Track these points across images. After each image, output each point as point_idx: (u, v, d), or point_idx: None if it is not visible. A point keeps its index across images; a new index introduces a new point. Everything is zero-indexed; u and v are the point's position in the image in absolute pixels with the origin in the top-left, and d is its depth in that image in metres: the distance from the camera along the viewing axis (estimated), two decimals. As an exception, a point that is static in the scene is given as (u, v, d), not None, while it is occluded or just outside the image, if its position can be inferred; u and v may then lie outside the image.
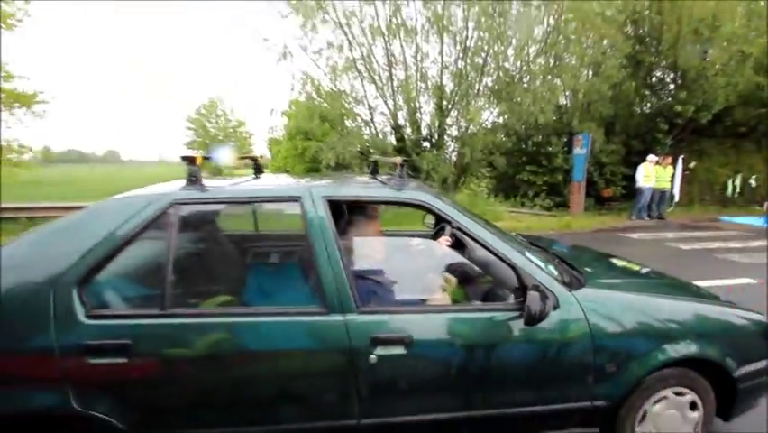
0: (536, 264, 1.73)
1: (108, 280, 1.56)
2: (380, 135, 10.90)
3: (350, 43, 9.83)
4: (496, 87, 10.23)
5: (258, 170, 2.11)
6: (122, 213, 1.56)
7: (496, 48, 9.65)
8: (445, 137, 10.79)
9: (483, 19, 9.24)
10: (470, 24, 9.51)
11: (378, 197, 1.83)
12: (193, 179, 1.67)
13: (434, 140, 10.76)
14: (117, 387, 1.47)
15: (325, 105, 10.85)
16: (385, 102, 10.49)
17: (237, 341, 1.52)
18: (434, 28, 9.71)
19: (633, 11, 10.34)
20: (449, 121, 10.60)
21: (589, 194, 10.75)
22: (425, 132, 10.85)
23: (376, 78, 10.17)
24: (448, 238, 1.87)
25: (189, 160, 1.69)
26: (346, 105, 10.55)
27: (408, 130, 10.80)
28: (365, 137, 10.72)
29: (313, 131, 13.44)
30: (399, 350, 1.54)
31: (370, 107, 10.59)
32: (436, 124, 10.55)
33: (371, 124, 10.79)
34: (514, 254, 1.69)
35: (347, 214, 1.99)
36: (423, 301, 1.90)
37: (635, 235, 8.00)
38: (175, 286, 1.53)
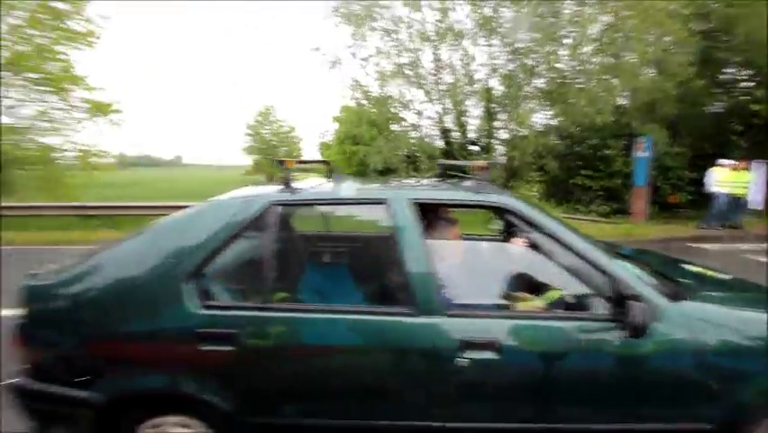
0: (634, 273, 1.65)
1: (216, 273, 1.67)
2: (427, 139, 10.90)
3: (397, 49, 9.96)
4: (547, 88, 9.90)
5: (331, 173, 2.15)
6: (226, 212, 1.68)
7: (547, 48, 9.36)
8: (493, 140, 10.59)
9: (534, 20, 9.00)
10: (520, 26, 9.30)
11: (462, 200, 1.82)
12: (286, 182, 1.76)
13: (481, 143, 10.59)
14: (224, 373, 1.57)
15: (373, 110, 11.03)
16: (432, 106, 10.51)
17: (330, 336, 1.58)
18: (483, 31, 9.60)
19: (700, 5, 9.60)
20: (497, 124, 10.40)
21: (653, 200, 10.05)
22: (472, 135, 10.72)
23: (423, 82, 10.21)
24: (525, 240, 1.81)
25: (282, 163, 1.78)
26: (393, 109, 10.68)
27: (455, 133, 10.72)
28: (412, 141, 10.78)
29: (361, 135, 13.72)
30: (488, 355, 1.52)
31: (417, 112, 10.65)
32: (484, 128, 10.38)
33: (418, 128, 10.83)
34: (609, 262, 1.60)
35: (425, 217, 1.97)
36: (508, 307, 1.86)
37: (706, 246, 7.35)
38: (273, 281, 1.62)
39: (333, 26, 10.09)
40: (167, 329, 1.58)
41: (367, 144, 12.53)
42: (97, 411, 1.59)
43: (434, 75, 10.18)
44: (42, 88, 11.35)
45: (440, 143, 10.93)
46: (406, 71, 10.11)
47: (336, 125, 21.45)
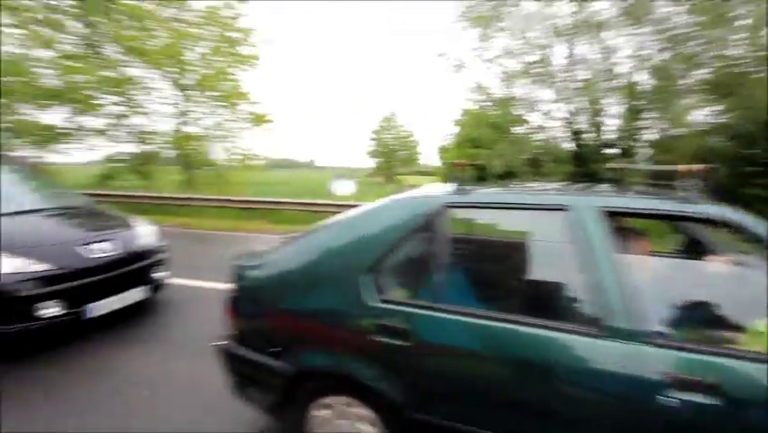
0: None
1: (392, 269, 1.72)
2: (554, 141, 10.17)
3: (526, 48, 9.52)
4: (714, 79, 8.29)
5: (482, 177, 2.07)
6: (402, 212, 1.74)
7: (714, 33, 7.85)
8: (637, 142, 9.32)
9: (696, 1, 7.64)
10: (677, 9, 8.00)
11: (665, 210, 1.50)
12: (460, 184, 1.77)
13: (621, 145, 9.43)
14: (394, 365, 1.61)
15: (496, 112, 10.76)
16: (562, 106, 9.75)
17: (498, 345, 1.50)
18: (628, 19, 8.53)
19: None
20: (642, 123, 9.12)
21: None
22: (609, 137, 9.61)
23: (553, 81, 9.55)
24: (731, 260, 1.57)
25: (457, 166, 1.80)
26: (518, 111, 10.25)
27: (589, 135, 9.76)
28: (536, 144, 10.18)
29: (481, 138, 13.49)
30: (704, 399, 1.26)
31: (544, 112, 10.01)
32: (625, 128, 9.21)
33: (544, 130, 10.18)
34: None
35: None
36: (724, 341, 1.59)
37: None
38: (445, 283, 1.62)
39: (459, 30, 10.16)
40: (344, 316, 1.67)
41: (488, 148, 12.24)
42: (286, 381, 1.77)
43: (567, 72, 9.44)
44: (218, 104, 14.00)
45: (569, 146, 10.07)
46: (534, 70, 9.59)
47: (456, 129, 21.52)
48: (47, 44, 12.06)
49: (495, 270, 2.25)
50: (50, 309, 2.99)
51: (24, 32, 11.79)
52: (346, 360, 1.68)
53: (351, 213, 1.94)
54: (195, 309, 3.97)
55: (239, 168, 14.72)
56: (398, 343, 1.57)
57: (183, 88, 13.74)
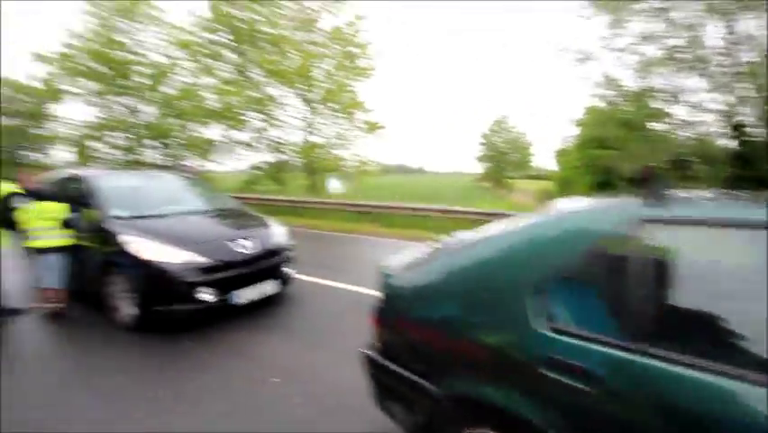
0: None
1: (566, 294, 1.44)
2: (706, 138, 8.59)
3: (669, 30, 8.24)
4: None
5: (645, 182, 1.50)
6: (583, 225, 1.48)
7: None
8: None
9: None
10: None
11: None
12: (659, 193, 1.38)
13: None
14: (565, 407, 1.35)
15: (627, 107, 9.53)
16: (718, 95, 8.18)
17: (717, 405, 1.14)
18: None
19: None
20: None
21: None
22: (787, 130, 7.75)
23: (705, 66, 8.08)
24: None
25: (650, 171, 1.43)
26: (656, 104, 8.92)
27: (756, 129, 8.00)
28: (681, 142, 8.72)
29: (607, 138, 12.06)
30: None
31: (692, 104, 8.53)
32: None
33: (692, 126, 8.66)
34: None
35: None
36: None
37: None
38: (647, 318, 1.28)
39: (584, 20, 9.29)
40: (507, 342, 1.49)
41: (616, 149, 10.87)
42: (435, 403, 1.63)
43: (725, 55, 7.90)
44: (338, 115, 15.27)
45: (727, 143, 8.40)
46: (680, 55, 8.24)
47: (577, 129, 19.62)
48: (209, 72, 14.71)
49: (718, 309, 1.48)
50: (207, 295, 3.68)
51: (194, 64, 14.58)
52: (506, 391, 1.47)
53: (510, 225, 1.72)
54: (316, 304, 4.43)
55: (356, 173, 15.80)
56: (575, 384, 1.31)
57: (310, 102, 15.32)
